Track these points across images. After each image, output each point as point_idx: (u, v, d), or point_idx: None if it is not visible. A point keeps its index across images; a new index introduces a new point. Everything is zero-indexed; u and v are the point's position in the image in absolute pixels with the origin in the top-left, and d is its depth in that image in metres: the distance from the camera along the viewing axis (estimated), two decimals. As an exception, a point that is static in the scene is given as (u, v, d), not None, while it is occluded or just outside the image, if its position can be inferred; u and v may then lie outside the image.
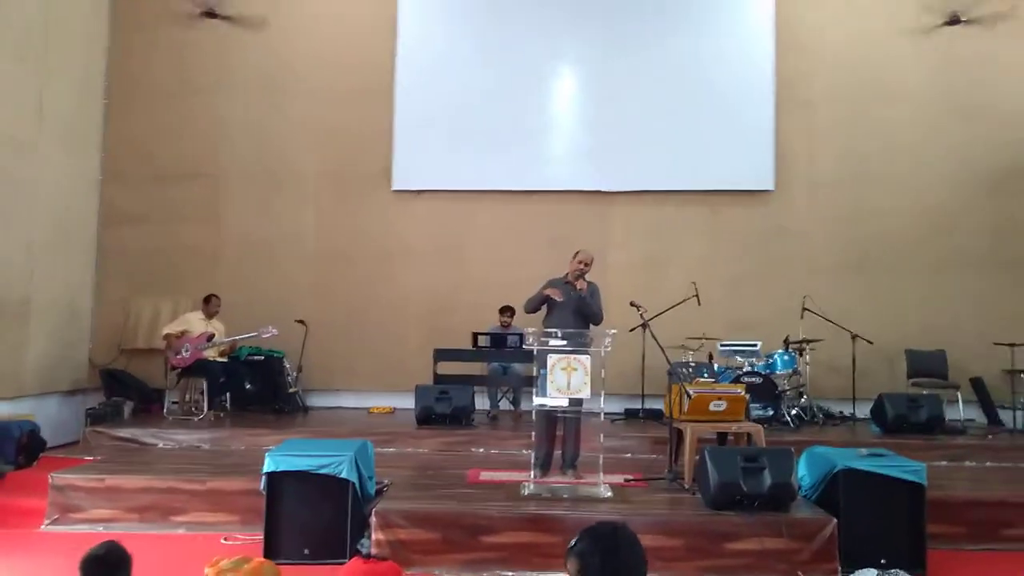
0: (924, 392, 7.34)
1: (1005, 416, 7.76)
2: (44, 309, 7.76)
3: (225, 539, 4.99)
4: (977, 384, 7.80)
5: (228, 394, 7.88)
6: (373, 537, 4.45)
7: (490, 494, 4.92)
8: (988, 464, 6.27)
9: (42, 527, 5.18)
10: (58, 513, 5.22)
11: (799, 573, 4.28)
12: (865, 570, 3.32)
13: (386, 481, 5.27)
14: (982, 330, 8.17)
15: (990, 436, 6.89)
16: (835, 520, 4.38)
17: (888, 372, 8.10)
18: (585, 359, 4.97)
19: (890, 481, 4.50)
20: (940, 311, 8.31)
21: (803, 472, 4.90)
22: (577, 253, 5.62)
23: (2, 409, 7.00)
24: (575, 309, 5.49)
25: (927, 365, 7.89)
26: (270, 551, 4.58)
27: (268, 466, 4.63)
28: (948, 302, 8.33)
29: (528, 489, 4.90)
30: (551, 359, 4.96)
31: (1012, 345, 7.18)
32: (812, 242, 8.57)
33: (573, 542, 1.83)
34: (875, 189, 8.54)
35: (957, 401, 7.54)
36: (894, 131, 8.58)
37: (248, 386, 8.10)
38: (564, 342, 5.01)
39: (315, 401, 8.53)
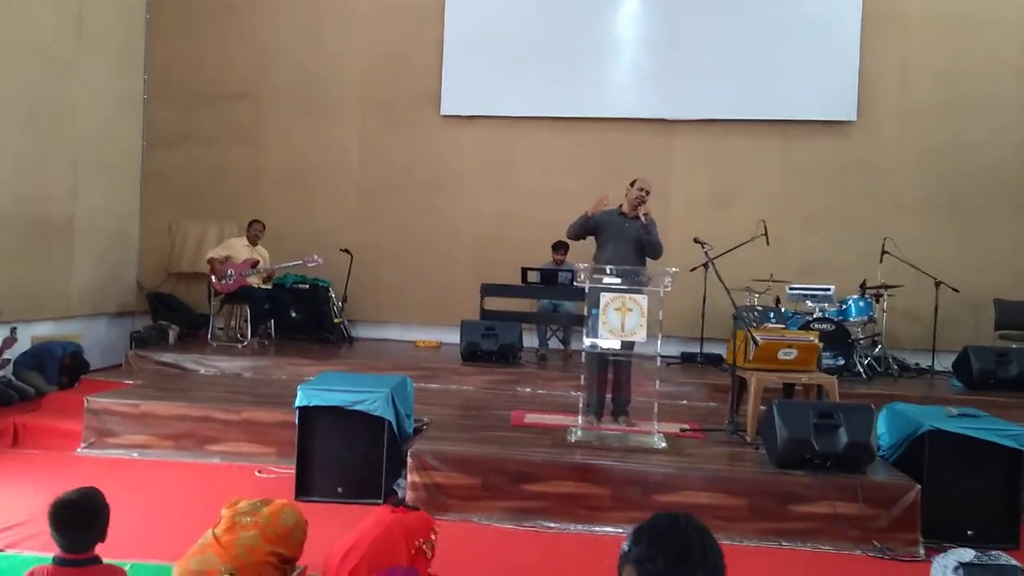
0: (1013, 346, 6.68)
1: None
2: (90, 230, 7.65)
3: (259, 472, 4.84)
4: (1074, 339, 7.09)
5: (272, 322, 7.70)
6: (408, 479, 4.20)
7: (535, 439, 4.60)
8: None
9: (78, 450, 5.11)
10: (94, 437, 5.13)
11: (875, 542, 3.87)
12: (960, 549, 2.88)
13: (426, 420, 5.00)
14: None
15: (1089, 397, 6.23)
16: (918, 486, 3.92)
17: (973, 323, 7.44)
18: (642, 299, 4.53)
19: (984, 446, 4.00)
20: (1035, 258, 7.54)
21: (882, 431, 4.42)
22: (635, 181, 5.13)
23: (48, 329, 6.98)
24: (634, 242, 5.03)
25: (1017, 316, 7.18)
26: (302, 488, 4.39)
27: (300, 400, 4.39)
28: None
29: (575, 435, 4.56)
30: (604, 298, 4.55)
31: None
32: (896, 178, 7.80)
33: (627, 546, 1.41)
34: (971, 119, 7.68)
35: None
36: (996, 52, 7.65)
37: (293, 314, 7.92)
38: (619, 280, 4.58)
39: (361, 332, 8.33)
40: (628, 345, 4.71)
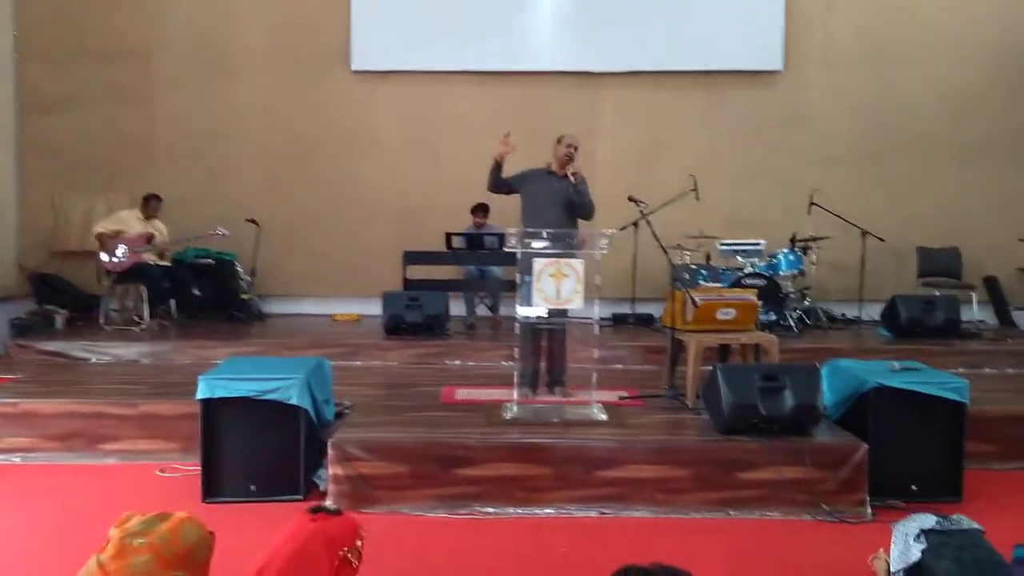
0: (937, 293, 6.76)
1: (1018, 318, 7.26)
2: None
3: (161, 471, 4.34)
4: (991, 284, 7.27)
5: (173, 301, 7.08)
6: (330, 472, 3.81)
7: (467, 418, 4.27)
8: (1009, 371, 5.76)
9: (-54, 460, 4.48)
10: (-35, 443, 4.51)
11: (823, 505, 3.74)
12: (921, 515, 2.73)
13: (347, 403, 4.60)
14: (998, 226, 7.56)
15: (1009, 340, 6.37)
16: (865, 446, 3.80)
17: (897, 272, 7.50)
18: (577, 263, 4.22)
19: (927, 400, 3.92)
20: (958, 206, 7.64)
21: (824, 388, 4.29)
22: (562, 137, 4.79)
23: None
24: (563, 202, 4.70)
25: (939, 264, 7.29)
26: (210, 489, 3.94)
27: (202, 391, 3.91)
28: (967, 196, 7.64)
29: (511, 412, 4.26)
30: (538, 264, 4.21)
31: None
32: (823, 129, 7.73)
33: None
34: (895, 68, 7.65)
35: (971, 302, 6.98)
36: (920, 2, 7.61)
37: (196, 292, 7.28)
38: (551, 244, 4.25)
39: (274, 308, 7.77)
40: (560, 312, 4.41)
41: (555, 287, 4.23)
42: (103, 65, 7.62)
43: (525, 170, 4.90)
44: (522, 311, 4.31)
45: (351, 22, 7.59)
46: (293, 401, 3.90)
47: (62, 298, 7.31)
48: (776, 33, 7.58)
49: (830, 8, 7.65)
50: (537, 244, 4.26)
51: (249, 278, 7.36)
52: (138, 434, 4.55)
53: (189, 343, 6.18)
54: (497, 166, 4.75)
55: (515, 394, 4.33)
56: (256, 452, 3.97)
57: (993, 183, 7.62)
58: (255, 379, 3.95)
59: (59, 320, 6.92)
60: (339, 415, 4.43)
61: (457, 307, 7.21)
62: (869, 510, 3.76)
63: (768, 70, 7.65)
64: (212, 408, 3.95)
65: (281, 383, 3.92)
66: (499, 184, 4.83)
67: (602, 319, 7.07)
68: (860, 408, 4.00)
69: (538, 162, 4.90)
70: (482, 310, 7.38)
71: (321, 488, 3.93)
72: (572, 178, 4.63)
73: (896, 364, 4.16)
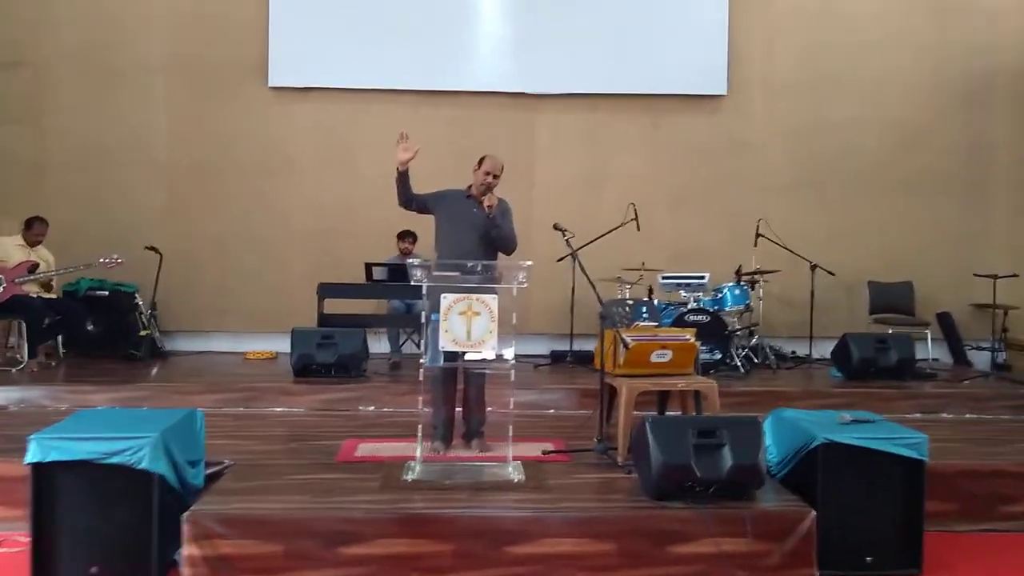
0: (890, 331, 6.40)
1: (973, 356, 6.95)
2: None
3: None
4: (945, 320, 6.94)
5: (60, 338, 6.34)
6: (185, 552, 3.16)
7: (361, 481, 3.66)
8: (968, 416, 5.37)
9: None
10: None
11: (766, 585, 3.22)
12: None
13: (227, 462, 3.95)
14: (949, 259, 7.29)
15: (965, 382, 6.01)
16: (813, 512, 3.31)
17: (848, 307, 7.17)
18: (491, 299, 3.70)
19: (882, 457, 3.44)
20: (906, 238, 7.37)
21: (768, 442, 3.80)
22: (482, 160, 4.27)
23: None
24: (481, 230, 4.18)
25: (892, 299, 6.98)
26: (41, 571, 3.25)
27: (33, 454, 3.25)
28: (914, 228, 7.38)
29: (412, 473, 3.67)
30: (446, 300, 3.68)
31: (995, 277, 6.23)
32: (768, 156, 7.40)
33: None
34: (838, 95, 7.39)
35: (925, 339, 6.64)
36: (860, 26, 7.38)
37: (90, 327, 6.57)
38: (462, 276, 3.73)
39: (180, 345, 7.07)
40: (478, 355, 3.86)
41: (465, 327, 3.69)
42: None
43: (443, 190, 4.38)
44: (429, 355, 3.76)
45: (269, 34, 7.04)
46: (143, 465, 3.25)
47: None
48: (720, 57, 7.25)
49: (774, 33, 7.37)
50: (447, 275, 3.73)
51: (150, 312, 6.66)
52: (-25, 499, 3.84)
53: (67, 388, 5.46)
54: (401, 176, 4.21)
55: (418, 451, 3.74)
56: (100, 527, 3.30)
57: (941, 216, 7.37)
58: (98, 439, 3.29)
59: (-77, 360, 6.13)
60: (215, 478, 3.78)
61: (383, 344, 6.64)
62: (819, 587, 3.26)
63: (711, 94, 7.30)
64: (46, 473, 3.28)
65: (129, 444, 3.26)
66: (409, 199, 4.29)
67: (539, 357, 6.66)
68: (807, 466, 3.50)
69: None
70: (410, 347, 6.79)
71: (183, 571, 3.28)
72: (489, 210, 4.10)
73: (847, 415, 3.69)
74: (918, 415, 5.29)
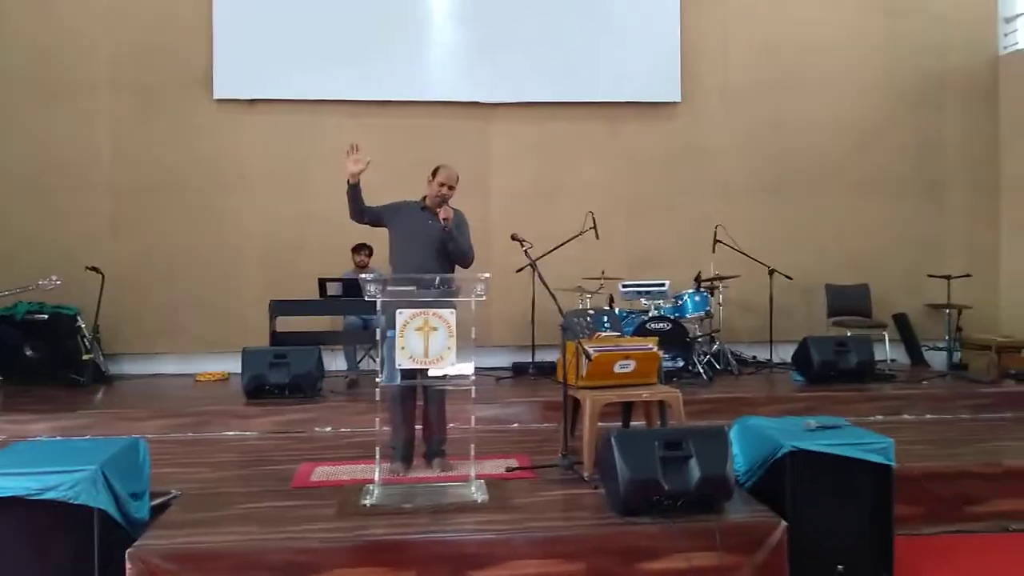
0: (848, 333, 6.44)
1: (929, 356, 7.05)
2: None
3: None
4: (901, 321, 7.03)
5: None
6: (127, 593, 2.96)
7: (316, 508, 3.49)
8: (928, 416, 5.41)
9: None
10: None
11: (739, 600, 3.14)
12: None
13: (174, 493, 3.74)
14: (904, 261, 7.40)
15: (924, 382, 6.06)
16: (784, 523, 3.25)
17: (806, 310, 7.22)
18: (448, 314, 3.58)
19: (849, 464, 3.41)
20: (861, 239, 7.46)
21: (735, 451, 3.74)
22: (437, 171, 4.16)
23: None
24: (436, 242, 4.06)
25: (849, 302, 7.03)
26: (-30, 620, 3.02)
27: (-45, 493, 3.02)
28: (869, 229, 7.48)
29: (371, 497, 3.51)
30: (401, 316, 3.54)
31: (948, 277, 6.31)
32: (723, 162, 7.42)
33: None
34: (792, 98, 7.45)
35: (883, 341, 6.70)
36: (812, 29, 7.47)
37: (29, 353, 6.26)
38: (418, 290, 3.60)
39: (127, 368, 6.79)
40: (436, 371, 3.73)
41: (423, 343, 3.56)
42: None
43: (396, 201, 4.25)
44: (384, 374, 3.62)
45: (213, 46, 6.83)
46: (81, 500, 3.04)
47: None
48: (673, 64, 7.26)
49: (726, 39, 7.41)
50: (400, 290, 3.59)
51: (92, 335, 6.37)
52: None
53: (3, 417, 5.15)
54: (352, 189, 4.07)
55: (376, 474, 3.59)
56: (35, 569, 3.08)
57: (895, 217, 7.48)
58: (30, 473, 3.06)
59: None
60: (161, 509, 3.57)
61: (339, 361, 6.45)
62: (792, 600, 3.20)
63: (666, 101, 7.30)
64: (-28, 514, 3.05)
65: (64, 478, 3.05)
66: (361, 212, 4.15)
67: (501, 370, 6.54)
68: (775, 475, 3.45)
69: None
70: (368, 363, 6.61)
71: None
72: (445, 222, 3.98)
73: (812, 421, 3.66)
74: (879, 417, 5.32)
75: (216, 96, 6.85)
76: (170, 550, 3.03)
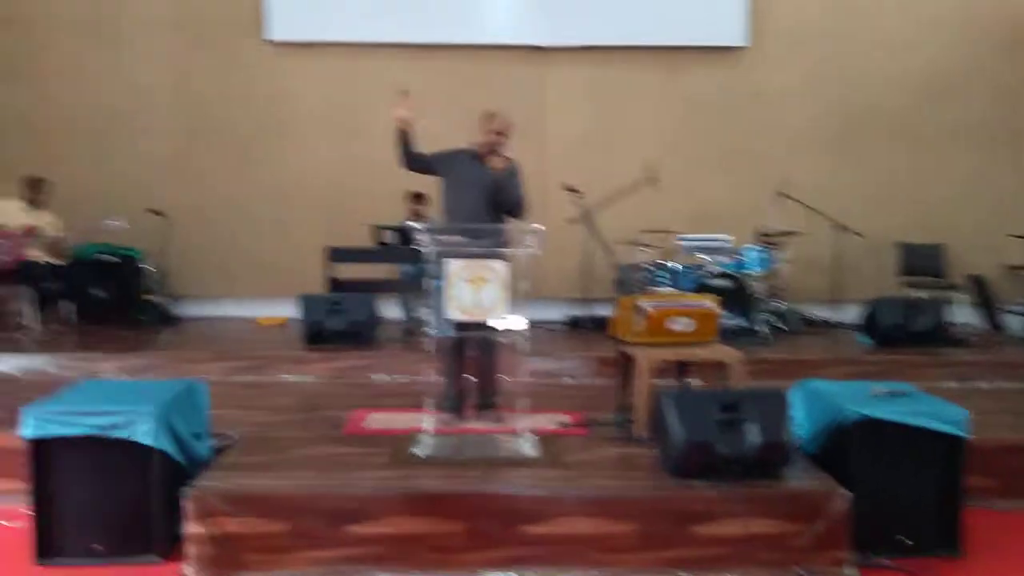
0: (922, 295, 6.14)
1: (1007, 320, 6.67)
2: None
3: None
4: (978, 283, 6.65)
5: (71, 304, 6.24)
6: (187, 531, 3.05)
7: (368, 456, 3.52)
8: (1005, 385, 5.12)
9: None
10: None
11: (796, 568, 3.06)
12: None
13: (233, 435, 3.83)
14: (981, 219, 6.97)
15: (1002, 347, 5.75)
16: (846, 492, 3.12)
17: (875, 269, 6.87)
18: (500, 266, 3.51)
19: (919, 433, 3.25)
20: (934, 195, 7.03)
21: (798, 415, 3.61)
22: (490, 118, 4.03)
23: None
24: (488, 191, 3.96)
25: (922, 262, 6.69)
26: (44, 548, 3.18)
27: (29, 429, 3.14)
28: (945, 185, 7.04)
29: (423, 446, 3.53)
30: (452, 266, 3.49)
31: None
32: (792, 111, 7.05)
33: None
34: (869, 47, 7.01)
35: (958, 304, 6.36)
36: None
37: (99, 293, 6.46)
38: (470, 241, 3.53)
39: (191, 311, 6.94)
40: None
41: (473, 294, 3.50)
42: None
43: (450, 149, 4.16)
44: (434, 323, 3.59)
45: (269, -11, 6.76)
46: (139, 438, 3.13)
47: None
48: (740, 6, 6.86)
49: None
50: (451, 240, 3.53)
51: (158, 277, 6.53)
52: (-23, 471, 3.75)
53: (75, 355, 5.36)
54: (402, 135, 3.99)
55: (428, 424, 3.60)
56: (101, 503, 3.21)
57: (975, 174, 7.03)
58: (96, 413, 3.17)
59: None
60: (222, 450, 3.66)
61: (395, 309, 6.49)
62: (853, 571, 3.09)
63: (732, 46, 6.94)
64: (45, 449, 3.18)
65: (127, 417, 3.14)
66: (413, 160, 4.09)
67: (554, 323, 6.48)
68: (840, 443, 3.31)
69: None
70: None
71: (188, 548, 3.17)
72: (495, 171, 3.87)
73: (880, 387, 3.49)
74: (953, 383, 5.05)
75: (271, 38, 6.80)
76: (227, 492, 3.09)
